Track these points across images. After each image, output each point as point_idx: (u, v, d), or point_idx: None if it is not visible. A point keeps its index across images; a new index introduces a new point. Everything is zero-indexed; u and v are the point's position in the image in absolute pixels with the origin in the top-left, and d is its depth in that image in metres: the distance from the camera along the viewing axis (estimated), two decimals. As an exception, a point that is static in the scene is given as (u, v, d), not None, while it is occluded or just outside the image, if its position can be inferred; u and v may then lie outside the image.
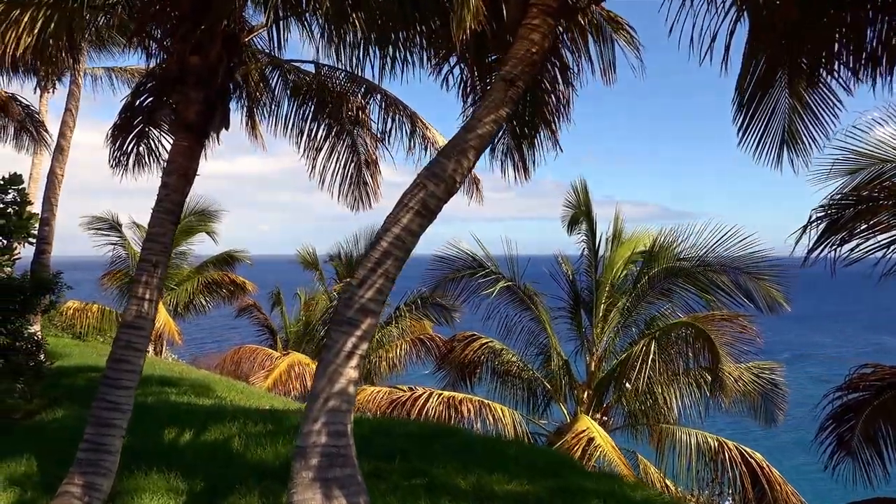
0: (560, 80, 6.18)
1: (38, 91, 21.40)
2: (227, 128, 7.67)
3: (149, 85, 8.67)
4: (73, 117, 16.78)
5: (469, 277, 15.01)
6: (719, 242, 12.87)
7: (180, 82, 7.27)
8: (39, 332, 13.26)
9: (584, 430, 11.64)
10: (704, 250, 13.05)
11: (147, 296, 6.98)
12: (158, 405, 11.33)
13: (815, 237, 6.66)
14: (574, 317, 15.14)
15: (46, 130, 18.82)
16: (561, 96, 6.19)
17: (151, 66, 8.53)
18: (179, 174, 7.25)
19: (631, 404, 13.69)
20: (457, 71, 8.02)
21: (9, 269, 11.53)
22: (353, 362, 4.83)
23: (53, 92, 22.69)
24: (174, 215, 7.25)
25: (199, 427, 8.97)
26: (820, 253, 6.52)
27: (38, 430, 10.11)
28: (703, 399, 13.60)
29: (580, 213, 15.46)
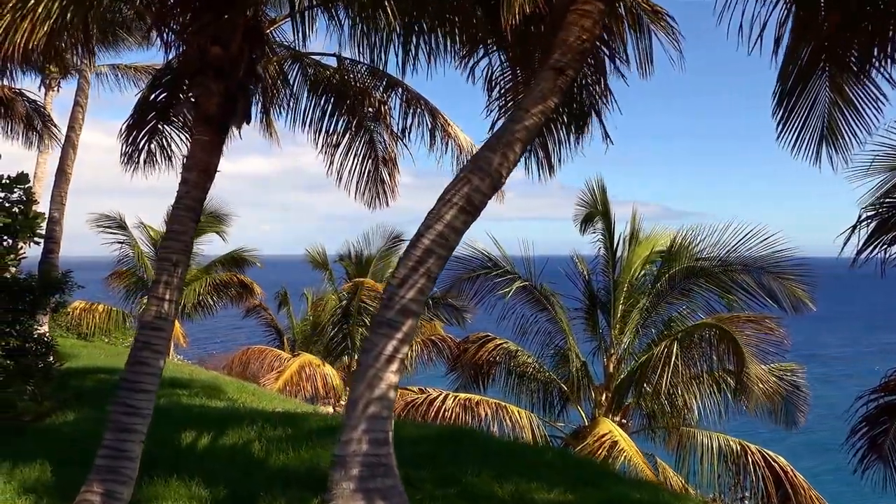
0: (609, 69, 5.90)
1: (44, 89, 21.26)
2: (248, 122, 7.42)
3: (165, 79, 8.40)
4: (82, 113, 16.54)
5: (484, 277, 14.76)
6: (742, 242, 12.61)
7: (201, 74, 7.00)
8: (48, 333, 12.99)
9: (606, 434, 11.37)
10: (726, 250, 12.78)
11: (167, 296, 6.71)
12: (171, 407, 11.07)
13: (865, 237, 6.37)
14: (590, 317, 14.88)
15: (55, 126, 18.59)
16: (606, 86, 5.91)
17: (164, 60, 8.25)
18: (200, 170, 6.98)
19: (650, 407, 13.40)
20: (484, 62, 7.82)
21: (14, 268, 11.29)
22: (394, 366, 4.57)
23: (58, 90, 22.55)
24: (195, 213, 6.98)
25: (215, 431, 8.72)
26: (870, 253, 6.24)
27: (50, 433, 9.86)
28: (723, 401, 13.35)
29: (596, 213, 15.19)
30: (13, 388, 9.82)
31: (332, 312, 19.76)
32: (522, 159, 8.53)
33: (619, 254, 14.68)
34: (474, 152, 10.64)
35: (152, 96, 8.59)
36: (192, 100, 7.08)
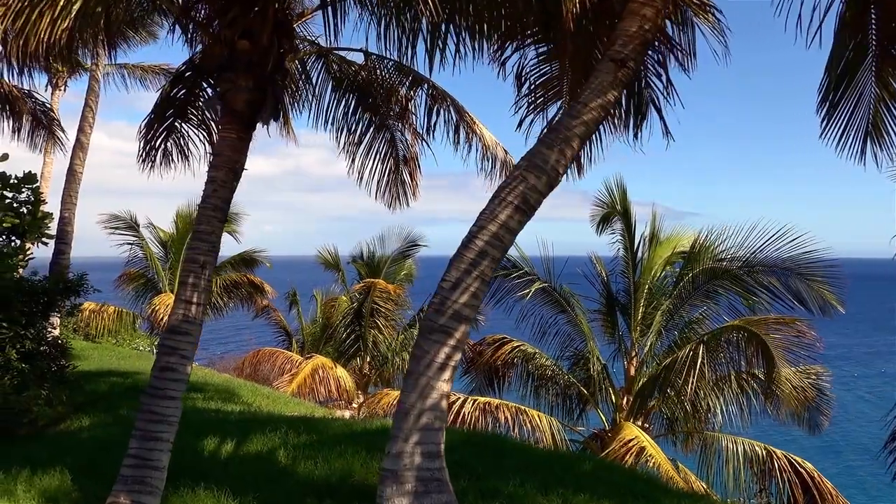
0: (670, 61, 5.64)
1: (50, 89, 21.03)
2: (276, 118, 7.18)
3: (187, 74, 8.16)
4: (92, 113, 16.29)
5: (503, 278, 14.52)
6: (768, 242, 12.33)
7: (229, 69, 6.77)
8: (61, 336, 12.76)
9: (632, 440, 11.11)
10: (752, 251, 12.50)
11: (195, 299, 6.49)
12: (188, 412, 10.72)
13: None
14: (608, 319, 14.64)
15: (61, 128, 18.36)
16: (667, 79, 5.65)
17: (190, 54, 8.01)
18: (227, 168, 6.76)
19: (674, 411, 13.15)
20: (514, 57, 7.59)
21: (21, 269, 11.07)
22: (447, 374, 4.33)
23: (65, 90, 22.32)
24: (222, 212, 6.76)
25: (237, 437, 8.47)
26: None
27: (67, 438, 9.64)
28: (746, 405, 13.10)
29: (614, 212, 14.94)
30: (29, 392, 9.58)
31: (344, 314, 19.51)
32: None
33: (639, 255, 14.44)
34: (498, 151, 10.47)
35: (173, 91, 8.35)
36: (219, 95, 6.81)
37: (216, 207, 6.70)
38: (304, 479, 6.87)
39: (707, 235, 13.83)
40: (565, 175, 4.51)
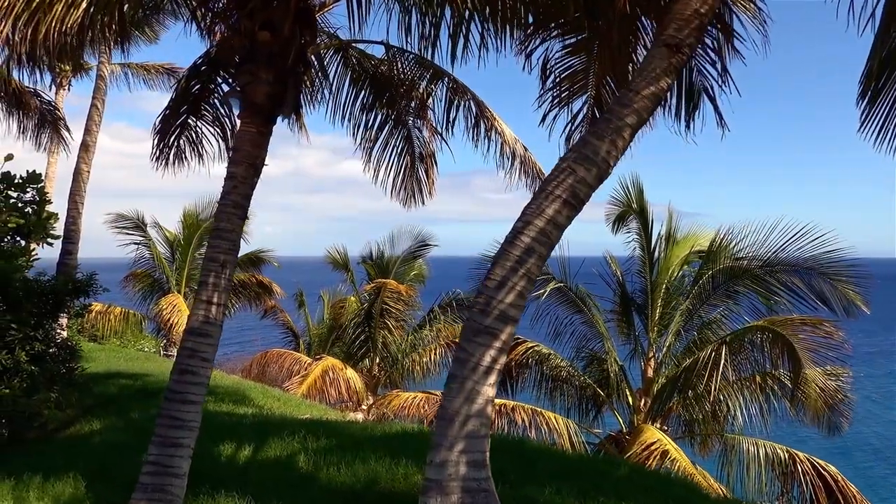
0: (725, 47, 5.37)
1: (54, 88, 20.79)
2: (297, 112, 6.95)
3: (202, 68, 7.93)
4: (98, 112, 16.04)
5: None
6: (790, 241, 12.07)
7: (249, 61, 6.54)
8: (70, 338, 12.51)
9: (654, 443, 10.86)
10: (774, 250, 12.24)
11: (215, 299, 6.25)
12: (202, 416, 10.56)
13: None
14: (624, 319, 14.40)
15: (66, 127, 18.11)
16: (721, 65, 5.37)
17: (208, 47, 7.76)
18: (247, 163, 6.52)
19: (693, 412, 12.89)
20: (540, 51, 7.38)
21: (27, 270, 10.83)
22: (492, 379, 4.09)
23: (69, 90, 22.08)
24: (242, 210, 6.52)
25: (254, 441, 8.23)
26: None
27: (77, 443, 9.41)
28: (767, 406, 12.84)
29: (629, 211, 14.71)
30: (39, 395, 9.33)
31: (354, 314, 19.24)
32: (566, 151, 8.15)
33: (655, 254, 14.19)
34: (518, 147, 10.22)
35: (189, 85, 8.12)
36: (239, 88, 6.56)
37: (236, 204, 6.47)
38: (327, 486, 6.63)
39: (725, 234, 13.59)
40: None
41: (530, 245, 4.13)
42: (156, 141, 8.72)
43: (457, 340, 17.61)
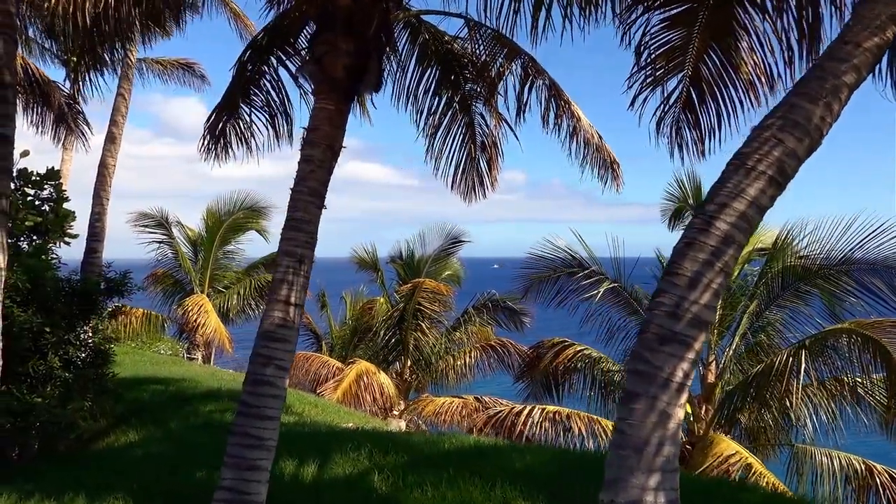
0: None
1: (68, 82, 20.07)
2: (378, 88, 6.17)
3: (263, 41, 7.16)
4: (125, 102, 15.28)
5: (567, 277, 13.50)
6: (869, 238, 11.24)
7: (327, 29, 5.77)
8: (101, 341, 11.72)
9: (732, 455, 10.05)
10: (851, 247, 11.40)
11: (293, 299, 5.48)
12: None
13: None
14: (678, 322, 13.60)
15: (86, 121, 17.40)
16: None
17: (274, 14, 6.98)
18: (325, 145, 5.76)
19: (762, 420, 12.06)
20: (638, 24, 6.66)
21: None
22: (683, 398, 3.30)
23: (84, 85, 21.36)
24: (320, 197, 5.75)
25: (316, 456, 7.44)
26: None
27: (115, 456, 8.65)
28: (841, 414, 12.02)
29: (685, 207, 13.96)
30: (74, 404, 8.58)
31: (386, 316, 18.44)
32: (656, 136, 7.36)
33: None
34: (593, 134, 9.40)
35: (244, 62, 7.35)
36: (316, 61, 5.78)
37: (313, 191, 5.69)
38: (415, 512, 5.85)
39: (790, 230, 12.78)
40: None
41: (728, 233, 3.33)
42: (204, 132, 7.99)
43: (491, 343, 16.76)
